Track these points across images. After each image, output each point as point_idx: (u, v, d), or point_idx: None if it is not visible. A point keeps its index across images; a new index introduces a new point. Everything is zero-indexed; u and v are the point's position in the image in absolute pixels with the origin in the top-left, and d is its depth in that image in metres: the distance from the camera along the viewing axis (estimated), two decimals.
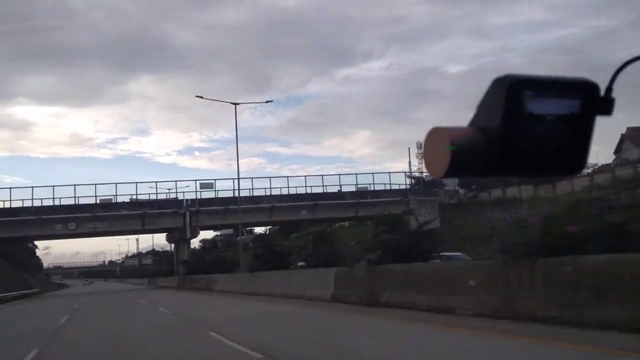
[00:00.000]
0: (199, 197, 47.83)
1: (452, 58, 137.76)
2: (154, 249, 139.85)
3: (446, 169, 1.07)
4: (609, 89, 1.12)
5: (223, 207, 46.99)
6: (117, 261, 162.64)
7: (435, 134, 1.10)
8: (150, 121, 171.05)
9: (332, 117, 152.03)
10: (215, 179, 49.20)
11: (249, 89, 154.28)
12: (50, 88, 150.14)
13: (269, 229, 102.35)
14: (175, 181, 50.93)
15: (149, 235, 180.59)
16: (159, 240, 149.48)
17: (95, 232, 45.75)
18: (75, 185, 45.95)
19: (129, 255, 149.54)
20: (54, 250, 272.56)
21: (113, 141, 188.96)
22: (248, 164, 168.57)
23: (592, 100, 1.10)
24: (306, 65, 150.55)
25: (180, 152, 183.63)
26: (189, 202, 47.21)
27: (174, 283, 48.76)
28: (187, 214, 46.61)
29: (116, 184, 48.32)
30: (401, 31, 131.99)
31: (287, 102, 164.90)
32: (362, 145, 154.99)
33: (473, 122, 1.10)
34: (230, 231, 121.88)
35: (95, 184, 52.67)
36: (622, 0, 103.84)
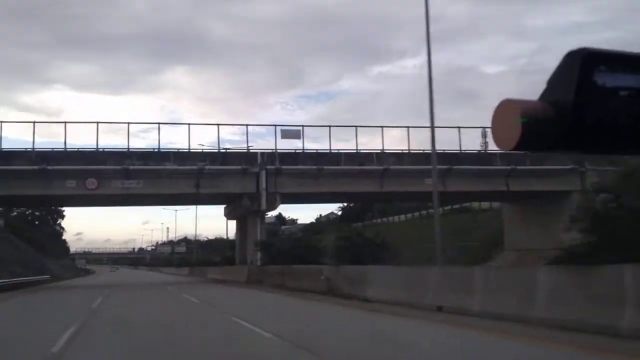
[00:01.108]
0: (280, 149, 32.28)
1: (489, 58, 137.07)
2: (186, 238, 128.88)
3: (516, 141, 1.05)
4: None
5: (316, 168, 31.25)
6: (147, 248, 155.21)
7: (506, 106, 1.08)
8: (184, 112, 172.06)
9: (364, 114, 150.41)
10: (302, 126, 33.25)
11: (282, 83, 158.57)
12: (87, 75, 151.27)
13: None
14: (246, 125, 34.27)
15: (182, 225, 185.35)
16: (188, 230, 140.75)
17: (126, 194, 30.15)
18: (98, 122, 30.24)
19: (160, 242, 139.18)
20: (85, 236, 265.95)
21: (146, 130, 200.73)
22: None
23: None
24: (340, 61, 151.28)
25: (211, 144, 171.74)
26: (266, 158, 31.65)
27: (238, 276, 33.08)
28: (263, 174, 31.00)
29: (159, 124, 31.65)
30: (438, 30, 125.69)
31: (318, 97, 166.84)
32: (394, 144, 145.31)
33: (544, 96, 1.07)
34: (272, 218, 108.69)
35: (128, 123, 32.19)
36: None
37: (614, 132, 1.05)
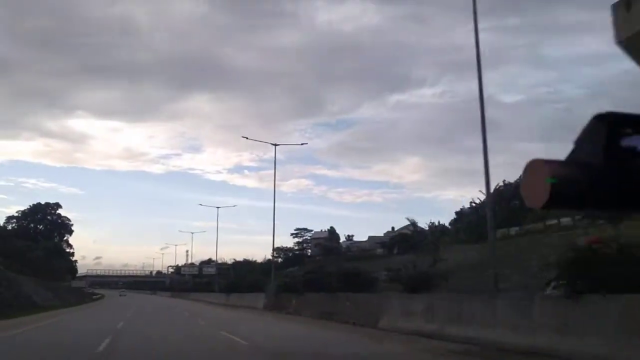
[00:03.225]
0: None
1: (508, 87, 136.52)
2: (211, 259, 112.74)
3: (545, 200, 1.08)
4: None
5: None
6: (167, 271, 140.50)
7: (535, 166, 1.12)
8: (204, 139, 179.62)
9: (382, 142, 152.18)
10: None
11: (302, 112, 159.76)
12: (109, 103, 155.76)
13: None
14: None
15: (200, 249, 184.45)
16: (204, 256, 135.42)
17: None
18: None
19: (182, 265, 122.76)
20: (104, 261, 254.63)
21: (166, 157, 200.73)
22: (296, 185, 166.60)
23: None
24: (358, 90, 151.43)
25: (230, 171, 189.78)
26: None
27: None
28: None
29: None
30: (457, 59, 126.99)
31: (337, 126, 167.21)
32: (411, 172, 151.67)
33: (571, 157, 1.12)
34: (325, 233, 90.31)
35: None
36: None
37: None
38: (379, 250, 64.57)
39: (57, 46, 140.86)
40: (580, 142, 1.11)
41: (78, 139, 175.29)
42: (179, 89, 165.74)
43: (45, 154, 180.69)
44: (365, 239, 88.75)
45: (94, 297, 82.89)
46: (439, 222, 58.16)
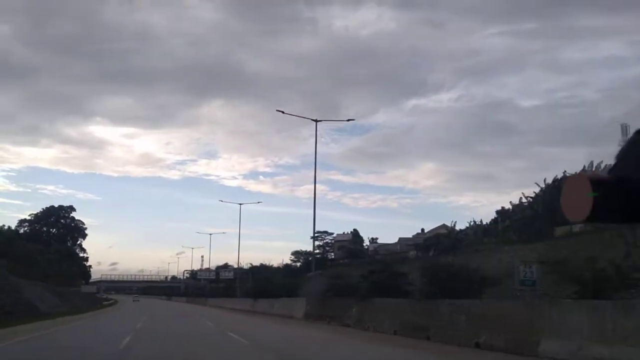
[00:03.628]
0: None
1: (525, 91, 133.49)
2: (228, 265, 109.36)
3: (587, 214, 1.09)
4: None
5: None
6: (183, 276, 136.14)
7: (577, 180, 1.12)
8: (219, 145, 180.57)
9: (398, 147, 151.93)
10: None
11: (317, 117, 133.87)
12: (126, 109, 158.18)
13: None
14: None
15: (216, 254, 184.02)
16: (220, 261, 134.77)
17: None
18: None
19: (198, 269, 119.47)
20: (120, 267, 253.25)
21: (182, 162, 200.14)
22: (310, 190, 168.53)
23: None
24: (374, 95, 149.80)
25: (246, 176, 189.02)
26: None
27: None
28: None
29: None
30: (474, 64, 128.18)
31: (352, 131, 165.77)
32: (426, 177, 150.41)
33: (614, 171, 1.11)
34: (349, 235, 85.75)
35: None
36: None
37: None
38: (411, 253, 59.81)
39: (77, 53, 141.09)
40: (622, 156, 1.09)
41: (96, 145, 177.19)
42: (194, 95, 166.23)
43: (64, 161, 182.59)
44: (388, 242, 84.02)
45: (105, 302, 79.04)
46: (481, 220, 53.36)
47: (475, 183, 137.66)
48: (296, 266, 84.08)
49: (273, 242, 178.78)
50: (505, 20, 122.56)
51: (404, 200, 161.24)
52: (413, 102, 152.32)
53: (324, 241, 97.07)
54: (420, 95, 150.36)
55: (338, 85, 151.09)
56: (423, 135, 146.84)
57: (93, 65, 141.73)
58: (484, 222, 53.51)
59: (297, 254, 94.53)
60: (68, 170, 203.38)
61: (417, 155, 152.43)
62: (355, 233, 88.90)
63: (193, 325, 26.58)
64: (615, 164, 1.11)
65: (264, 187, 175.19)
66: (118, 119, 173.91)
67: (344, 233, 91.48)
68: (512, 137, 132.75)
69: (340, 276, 28.34)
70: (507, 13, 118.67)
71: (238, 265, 69.88)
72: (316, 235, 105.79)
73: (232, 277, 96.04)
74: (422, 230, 78.43)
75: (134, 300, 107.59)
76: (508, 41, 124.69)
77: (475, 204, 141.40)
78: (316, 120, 36.59)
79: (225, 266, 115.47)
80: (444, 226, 69.11)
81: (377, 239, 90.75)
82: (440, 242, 54.12)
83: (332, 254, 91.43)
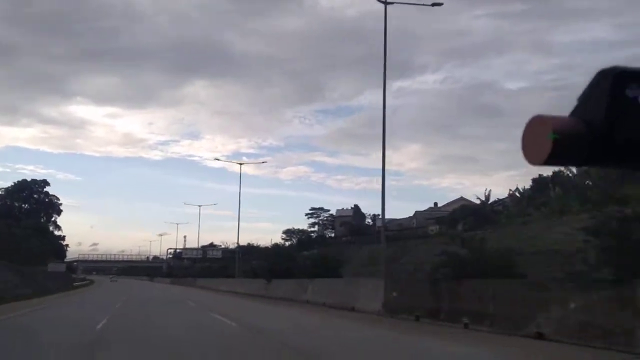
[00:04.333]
0: None
1: (511, 74, 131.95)
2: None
3: (546, 156, 1.07)
4: None
5: None
6: (167, 256, 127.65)
7: (537, 122, 1.10)
8: (202, 125, 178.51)
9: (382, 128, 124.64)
10: None
11: (302, 98, 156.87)
12: (108, 88, 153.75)
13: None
14: None
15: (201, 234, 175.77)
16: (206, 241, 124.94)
17: None
18: None
19: (182, 247, 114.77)
20: (101, 247, 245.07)
21: (164, 143, 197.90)
22: (294, 172, 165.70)
23: None
24: (360, 76, 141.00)
25: (229, 157, 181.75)
26: None
27: None
28: None
29: None
30: (460, 45, 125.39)
31: (337, 112, 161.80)
32: (411, 159, 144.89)
33: (575, 113, 1.10)
34: (349, 211, 78.37)
35: None
36: None
37: None
38: (431, 228, 52.65)
39: (58, 31, 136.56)
40: (584, 98, 1.08)
41: (77, 125, 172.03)
42: (178, 75, 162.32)
43: (44, 141, 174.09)
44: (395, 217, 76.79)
45: (78, 283, 71.13)
46: (524, 187, 46.26)
47: (460, 165, 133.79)
48: (284, 245, 76.76)
49: (258, 224, 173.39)
50: (492, 2, 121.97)
51: (388, 182, 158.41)
52: (398, 83, 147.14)
53: (319, 218, 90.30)
54: (406, 76, 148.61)
55: (323, 66, 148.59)
56: (408, 116, 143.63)
57: (75, 44, 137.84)
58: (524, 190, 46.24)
59: (289, 232, 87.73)
60: (48, 150, 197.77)
61: (402, 137, 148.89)
62: (356, 209, 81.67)
63: (198, 324, 16.93)
64: (577, 106, 1.07)
65: (248, 169, 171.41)
66: (100, 98, 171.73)
67: (343, 209, 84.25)
68: (497, 119, 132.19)
69: (448, 255, 18.58)
70: None
71: (238, 242, 61.81)
72: (311, 212, 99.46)
73: (220, 257, 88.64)
74: (435, 204, 71.39)
75: (111, 281, 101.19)
76: (495, 23, 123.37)
77: (459, 186, 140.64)
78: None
79: (212, 245, 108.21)
80: (462, 199, 62.06)
81: (378, 215, 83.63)
82: (472, 214, 46.98)
83: (333, 231, 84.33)
